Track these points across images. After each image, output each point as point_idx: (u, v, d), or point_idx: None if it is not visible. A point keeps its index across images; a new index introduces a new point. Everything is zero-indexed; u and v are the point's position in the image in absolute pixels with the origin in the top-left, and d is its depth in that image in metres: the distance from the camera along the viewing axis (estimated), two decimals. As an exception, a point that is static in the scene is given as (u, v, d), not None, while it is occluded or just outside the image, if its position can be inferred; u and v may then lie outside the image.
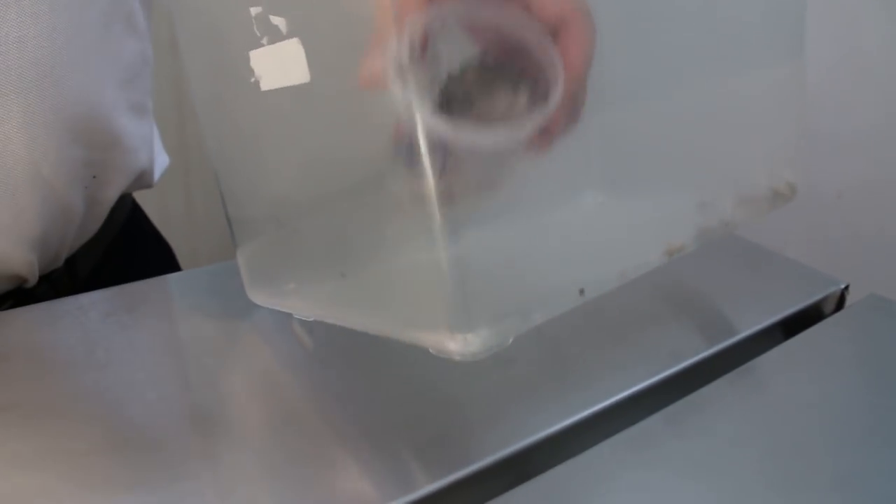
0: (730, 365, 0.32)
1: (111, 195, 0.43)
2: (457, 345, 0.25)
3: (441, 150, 0.21)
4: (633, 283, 0.32)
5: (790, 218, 0.43)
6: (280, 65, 0.27)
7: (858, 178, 0.79)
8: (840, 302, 0.39)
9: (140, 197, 0.51)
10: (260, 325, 0.34)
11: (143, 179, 0.46)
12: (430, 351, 0.26)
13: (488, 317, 0.25)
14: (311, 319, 0.34)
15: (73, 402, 0.29)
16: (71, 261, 0.43)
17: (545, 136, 0.25)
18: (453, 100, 0.22)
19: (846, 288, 0.39)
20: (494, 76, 0.24)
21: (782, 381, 0.32)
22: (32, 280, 0.40)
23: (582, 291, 0.28)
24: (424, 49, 0.21)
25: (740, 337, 0.35)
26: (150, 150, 0.46)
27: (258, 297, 0.35)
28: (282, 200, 0.32)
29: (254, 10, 0.27)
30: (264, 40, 0.27)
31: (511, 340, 0.26)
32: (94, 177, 0.41)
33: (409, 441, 0.27)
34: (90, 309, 0.35)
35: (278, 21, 0.26)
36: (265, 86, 0.28)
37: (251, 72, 0.28)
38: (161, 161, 0.50)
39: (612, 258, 0.31)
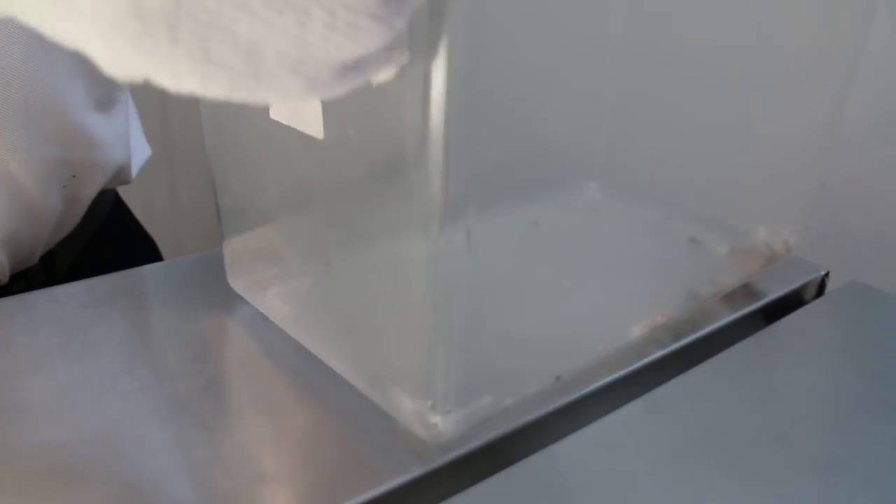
0: (710, 351, 0.32)
1: (90, 192, 0.42)
2: (428, 431, 0.25)
3: None
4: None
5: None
6: (294, 107, 0.25)
7: (841, 169, 0.79)
8: (821, 288, 0.40)
9: (124, 190, 0.51)
10: (240, 314, 0.34)
11: (121, 175, 0.46)
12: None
13: (462, 400, 0.25)
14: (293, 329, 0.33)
15: (48, 394, 0.28)
16: (48, 258, 0.43)
17: None
18: None
19: (826, 275, 0.40)
20: None
21: (764, 367, 0.32)
22: (3, 279, 0.39)
23: (558, 378, 0.28)
24: None
25: (722, 323, 0.35)
26: (126, 146, 0.45)
27: (238, 284, 0.35)
28: (275, 198, 0.31)
29: None
30: None
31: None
32: (74, 176, 0.40)
33: (392, 427, 0.27)
34: (66, 301, 0.34)
35: None
36: (274, 115, 0.27)
37: None
38: (141, 154, 0.49)
39: (593, 334, 0.30)
